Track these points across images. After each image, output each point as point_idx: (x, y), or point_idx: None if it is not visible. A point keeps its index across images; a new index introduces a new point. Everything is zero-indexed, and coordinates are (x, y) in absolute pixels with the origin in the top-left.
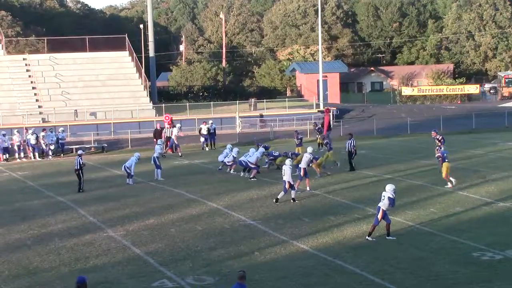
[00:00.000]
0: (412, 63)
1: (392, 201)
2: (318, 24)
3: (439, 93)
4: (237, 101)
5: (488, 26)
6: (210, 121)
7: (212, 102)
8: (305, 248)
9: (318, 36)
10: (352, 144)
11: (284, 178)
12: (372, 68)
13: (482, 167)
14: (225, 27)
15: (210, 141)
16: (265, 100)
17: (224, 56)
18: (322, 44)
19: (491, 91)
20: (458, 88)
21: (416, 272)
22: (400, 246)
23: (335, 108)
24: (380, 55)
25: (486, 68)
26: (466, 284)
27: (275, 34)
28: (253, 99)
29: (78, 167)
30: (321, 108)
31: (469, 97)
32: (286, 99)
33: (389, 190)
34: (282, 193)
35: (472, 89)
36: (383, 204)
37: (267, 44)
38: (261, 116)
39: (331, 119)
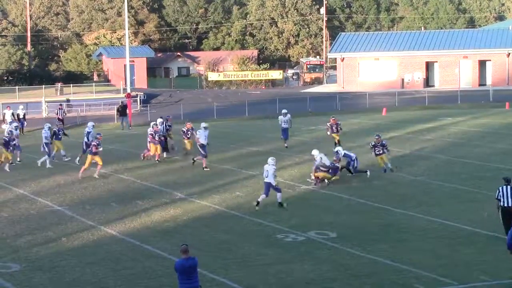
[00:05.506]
0: (218, 48)
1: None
2: (125, 9)
3: (244, 79)
4: (43, 86)
5: (290, 13)
6: (21, 106)
7: (17, 87)
8: (113, 233)
9: (125, 20)
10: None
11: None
12: (179, 53)
13: (287, 152)
14: (30, 10)
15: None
16: (71, 85)
17: (28, 40)
18: (128, 29)
19: (293, 77)
20: (262, 74)
21: (223, 255)
22: (207, 229)
23: (142, 93)
24: (186, 41)
25: (289, 54)
26: (271, 265)
27: (81, 18)
28: (59, 84)
29: None
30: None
31: (273, 83)
32: (93, 83)
33: (271, 164)
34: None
35: (276, 74)
36: (269, 179)
37: (73, 28)
38: (68, 100)
39: (140, 104)
